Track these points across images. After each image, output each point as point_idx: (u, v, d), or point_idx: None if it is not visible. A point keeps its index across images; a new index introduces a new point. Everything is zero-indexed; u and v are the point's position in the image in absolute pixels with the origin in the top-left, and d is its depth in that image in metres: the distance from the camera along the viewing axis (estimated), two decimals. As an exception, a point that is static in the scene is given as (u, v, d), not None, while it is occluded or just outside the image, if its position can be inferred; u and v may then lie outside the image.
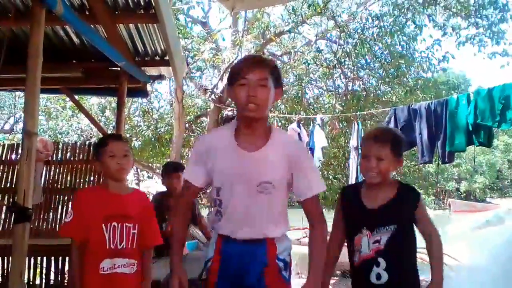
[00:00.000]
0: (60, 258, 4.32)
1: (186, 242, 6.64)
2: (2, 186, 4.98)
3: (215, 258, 2.16)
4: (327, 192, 12.61)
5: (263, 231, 2.09)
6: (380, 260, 2.24)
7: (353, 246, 2.33)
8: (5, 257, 4.24)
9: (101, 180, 5.07)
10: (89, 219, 2.31)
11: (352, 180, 7.31)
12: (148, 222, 2.51)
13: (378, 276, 2.25)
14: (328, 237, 2.24)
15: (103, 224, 2.32)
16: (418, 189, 2.43)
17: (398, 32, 10.38)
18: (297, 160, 2.09)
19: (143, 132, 12.23)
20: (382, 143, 2.25)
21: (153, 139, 12.28)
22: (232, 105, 10.39)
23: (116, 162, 2.38)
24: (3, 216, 4.87)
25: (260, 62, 2.04)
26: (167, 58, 4.56)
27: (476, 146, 5.92)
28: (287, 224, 2.22)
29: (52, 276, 4.40)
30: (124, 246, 2.35)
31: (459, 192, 42.38)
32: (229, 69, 2.59)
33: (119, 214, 2.37)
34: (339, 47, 10.10)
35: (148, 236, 2.49)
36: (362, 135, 7.21)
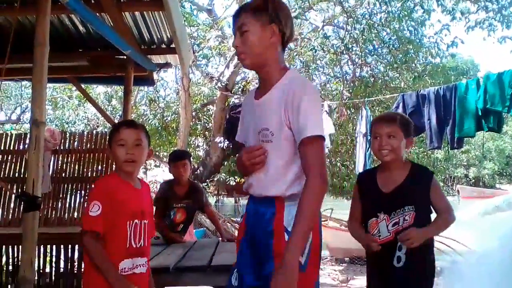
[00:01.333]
0: (70, 246, 4.34)
1: (194, 230, 6.71)
2: (11, 176, 5.00)
3: (244, 216, 2.00)
4: (334, 180, 12.62)
5: (269, 186, 1.80)
6: (401, 243, 2.28)
7: (369, 231, 2.38)
8: (15, 246, 4.27)
9: (108, 170, 5.10)
10: (115, 215, 2.11)
11: (359, 167, 7.29)
12: (152, 215, 2.42)
13: (399, 259, 2.29)
14: (320, 198, 1.71)
15: (128, 222, 2.16)
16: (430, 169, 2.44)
17: (406, 17, 10.26)
18: (292, 98, 1.74)
19: (149, 121, 12.25)
20: (390, 121, 2.37)
21: (159, 127, 12.32)
22: (239, 92, 10.37)
23: (125, 151, 2.17)
24: (12, 205, 4.90)
25: None
26: (173, 46, 4.53)
27: (486, 131, 5.89)
28: (301, 185, 1.74)
29: (62, 264, 4.43)
30: (142, 244, 2.22)
31: (468, 179, 42.25)
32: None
33: (139, 211, 2.22)
34: (347, 33, 10.01)
35: (151, 230, 2.37)
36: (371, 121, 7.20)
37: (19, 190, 4.85)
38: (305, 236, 1.67)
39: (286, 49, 2.05)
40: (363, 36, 10.00)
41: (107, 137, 4.99)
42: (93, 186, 2.28)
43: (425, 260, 2.32)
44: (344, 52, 10.29)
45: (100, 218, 2.07)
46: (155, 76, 5.74)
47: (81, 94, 11.43)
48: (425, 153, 12.60)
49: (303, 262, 1.71)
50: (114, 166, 4.20)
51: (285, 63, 1.92)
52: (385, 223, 2.33)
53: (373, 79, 10.62)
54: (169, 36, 4.53)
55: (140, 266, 2.20)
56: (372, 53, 10.85)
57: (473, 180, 42.41)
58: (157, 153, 13.75)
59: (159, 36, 4.63)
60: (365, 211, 2.43)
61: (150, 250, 2.36)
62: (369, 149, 7.22)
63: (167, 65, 5.01)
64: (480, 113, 5.56)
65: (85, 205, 2.19)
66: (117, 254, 2.12)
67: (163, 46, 4.78)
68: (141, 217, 2.22)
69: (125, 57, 4.50)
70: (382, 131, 2.35)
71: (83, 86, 5.73)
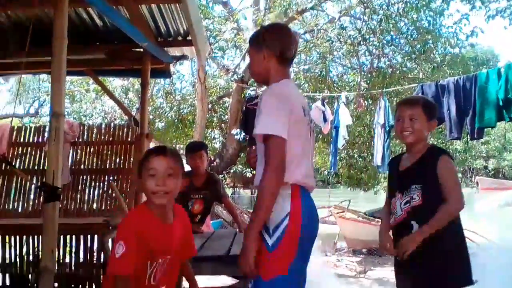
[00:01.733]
0: (89, 236, 4.39)
1: (211, 221, 6.74)
2: (31, 168, 5.08)
3: None
4: (351, 171, 12.56)
5: (257, 178, 2.10)
6: (413, 223, 2.30)
7: (391, 210, 2.46)
8: (36, 236, 4.33)
9: (126, 163, 5.14)
10: (137, 255, 1.92)
11: (378, 158, 7.23)
12: (188, 239, 2.25)
13: None
14: (268, 187, 1.96)
15: (149, 262, 1.99)
16: (449, 153, 2.41)
17: (424, 7, 10.10)
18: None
19: (166, 114, 12.32)
20: (413, 104, 2.41)
21: (176, 120, 12.37)
22: (255, 84, 10.35)
23: (155, 183, 1.96)
24: (32, 196, 4.98)
25: None
26: (189, 38, 4.52)
27: (507, 121, 5.79)
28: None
29: (81, 255, 4.49)
30: (155, 283, 2.06)
31: (487, 170, 41.71)
32: None
33: (164, 250, 2.04)
34: (364, 23, 9.90)
35: (186, 251, 2.25)
36: (391, 112, 7.12)
37: (39, 182, 4.93)
38: (259, 220, 1.98)
39: (303, 41, 2.37)
40: (381, 27, 9.87)
41: (127, 130, 5.13)
42: (122, 219, 2.12)
43: (442, 241, 2.26)
44: (361, 43, 10.18)
45: (129, 260, 1.88)
46: (171, 68, 5.74)
47: (98, 88, 11.61)
48: (444, 144, 12.43)
49: (271, 243, 2.02)
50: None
51: (284, 75, 2.25)
52: (399, 202, 2.39)
53: (391, 69, 10.49)
54: (185, 28, 4.53)
55: None
56: (390, 43, 10.71)
57: (493, 172, 41.85)
58: (173, 145, 13.83)
59: (175, 29, 4.63)
60: (389, 191, 2.57)
61: (189, 265, 2.30)
62: (388, 140, 7.16)
63: (183, 57, 5.01)
64: (501, 103, 5.46)
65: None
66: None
67: (180, 38, 4.78)
68: (165, 254, 2.04)
69: (142, 49, 4.52)
70: (404, 114, 2.40)
71: (100, 79, 5.77)
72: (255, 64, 2.30)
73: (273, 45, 2.22)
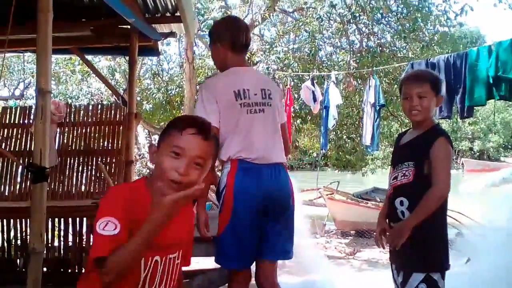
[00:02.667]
0: (78, 219, 4.32)
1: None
2: (17, 149, 4.96)
3: None
4: (340, 153, 12.57)
5: None
6: (403, 199, 2.28)
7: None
8: (23, 219, 4.25)
9: (115, 143, 5.02)
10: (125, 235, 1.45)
11: (367, 139, 7.22)
12: (187, 247, 1.78)
13: (402, 214, 2.30)
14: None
15: (143, 258, 1.51)
16: (448, 135, 2.37)
17: (415, -16, 10.02)
18: None
19: (153, 95, 12.15)
20: (422, 81, 2.33)
21: (164, 102, 12.22)
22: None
23: (175, 167, 1.48)
24: (18, 179, 4.88)
25: None
26: (178, 14, 4.41)
27: (497, 99, 5.79)
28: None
29: (70, 238, 4.42)
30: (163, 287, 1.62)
31: (472, 152, 42.20)
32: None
33: (164, 245, 1.58)
34: (354, 1, 9.78)
35: (187, 256, 1.82)
36: (382, 91, 7.09)
37: (26, 163, 4.82)
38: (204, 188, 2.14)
39: (291, 19, 2.58)
40: (371, 5, 9.78)
41: (115, 111, 4.99)
42: (105, 194, 1.61)
43: (427, 223, 2.23)
44: (351, 21, 10.08)
45: (119, 238, 1.41)
46: (159, 46, 5.62)
47: (84, 69, 11.40)
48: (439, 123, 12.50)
49: (218, 208, 2.52)
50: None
51: (238, 63, 2.59)
52: (390, 176, 2.41)
53: (380, 49, 10.44)
54: (173, 3, 4.41)
55: None
56: (380, 22, 10.63)
57: (478, 154, 42.38)
58: (161, 127, 13.70)
59: (163, 4, 4.50)
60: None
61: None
62: (378, 120, 7.14)
63: (172, 34, 4.90)
64: (491, 81, 5.45)
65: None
66: None
67: (168, 14, 4.65)
68: (165, 252, 1.60)
69: (129, 26, 4.40)
70: (412, 92, 2.32)
71: (87, 57, 5.62)
72: (214, 56, 2.68)
73: (225, 36, 2.57)
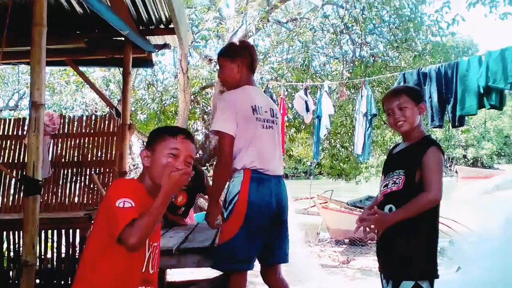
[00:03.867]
0: (71, 231, 4.32)
1: (195, 214, 6.73)
2: (10, 161, 4.96)
3: None
4: (334, 162, 12.60)
5: None
6: (392, 206, 2.32)
7: None
8: (16, 232, 4.24)
9: (108, 154, 5.04)
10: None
11: (358, 148, 7.25)
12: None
13: None
14: (218, 174, 2.71)
15: (148, 242, 1.87)
16: (439, 144, 2.42)
17: (407, -6, 10.12)
18: None
19: (148, 105, 12.17)
20: (399, 94, 2.45)
21: (158, 112, 12.24)
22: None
23: (176, 165, 1.86)
24: (12, 191, 4.87)
25: None
26: (171, 26, 4.45)
27: (488, 109, 5.84)
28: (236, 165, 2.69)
29: (63, 250, 4.41)
30: (154, 271, 1.97)
31: (466, 159, 42.38)
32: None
33: (156, 234, 1.97)
34: (346, 12, 9.87)
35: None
36: (374, 101, 7.14)
37: (19, 175, 4.82)
38: (213, 196, 2.74)
39: (285, 30, 2.62)
40: (363, 15, 9.87)
41: (109, 121, 5.01)
42: (111, 186, 2.01)
43: (414, 230, 2.27)
44: (344, 32, 10.17)
45: (135, 210, 1.76)
46: (153, 58, 5.65)
47: (79, 79, 11.40)
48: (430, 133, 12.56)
49: (226, 215, 2.65)
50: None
51: (248, 82, 2.80)
52: (381, 184, 2.46)
53: (373, 58, 10.53)
54: (167, 16, 4.45)
55: None
56: (372, 32, 10.73)
57: (471, 161, 42.56)
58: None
59: (157, 16, 4.55)
60: None
61: None
62: (369, 129, 7.18)
63: (165, 46, 4.93)
64: (482, 91, 5.51)
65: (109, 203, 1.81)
66: (128, 280, 1.84)
67: (162, 26, 4.70)
68: (157, 239, 1.99)
69: (123, 38, 4.44)
70: (392, 105, 2.42)
71: (81, 69, 5.64)
72: (227, 73, 2.81)
73: (245, 54, 2.80)
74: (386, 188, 2.39)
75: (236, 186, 2.63)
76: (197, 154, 10.74)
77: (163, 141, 1.90)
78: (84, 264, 1.88)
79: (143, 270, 1.88)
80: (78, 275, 1.90)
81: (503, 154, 43.38)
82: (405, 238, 2.26)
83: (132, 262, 1.84)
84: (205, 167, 10.67)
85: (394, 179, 2.35)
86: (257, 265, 2.78)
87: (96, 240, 1.86)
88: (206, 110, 12.28)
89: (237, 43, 3.00)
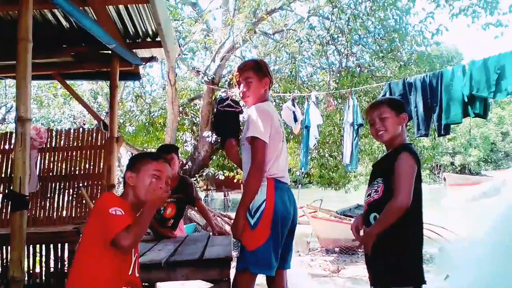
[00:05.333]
0: (59, 245, 4.28)
1: (185, 225, 6.70)
2: (-3, 175, 4.93)
3: None
4: (323, 171, 12.64)
5: (244, 174, 2.81)
6: (376, 214, 2.37)
7: None
8: (3, 247, 4.20)
9: (96, 168, 5.04)
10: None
11: (346, 158, 7.29)
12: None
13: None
14: (252, 179, 2.69)
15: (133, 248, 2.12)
16: (413, 151, 2.44)
17: (391, 6, 10.25)
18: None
19: (136, 117, 12.15)
20: (379, 105, 2.53)
21: (146, 123, 12.23)
22: (226, 86, 10.33)
23: (159, 185, 2.14)
24: (-1, 205, 4.83)
25: None
26: (158, 39, 4.47)
27: (472, 117, 5.90)
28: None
29: (52, 264, 4.38)
30: (138, 275, 2.19)
31: (453, 166, 42.75)
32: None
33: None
34: (332, 23, 9.97)
35: None
36: (360, 111, 7.21)
37: (6, 190, 4.79)
38: (244, 202, 2.68)
39: (272, 41, 2.57)
40: (349, 26, 9.98)
41: (96, 134, 5.01)
42: (101, 198, 2.34)
43: (398, 232, 2.30)
44: (330, 43, 10.27)
45: (127, 218, 2.01)
46: (141, 70, 5.67)
47: (67, 92, 11.35)
48: (412, 142, 12.67)
49: (253, 222, 2.67)
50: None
51: (267, 98, 2.98)
52: (366, 194, 2.52)
53: (359, 69, 10.63)
54: (154, 29, 4.48)
55: None
56: (358, 43, 10.84)
57: (459, 168, 42.92)
58: (145, 149, 13.65)
59: (144, 30, 4.57)
60: None
61: None
62: (356, 139, 7.23)
63: (152, 59, 4.95)
64: (466, 100, 5.57)
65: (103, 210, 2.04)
66: (120, 281, 2.04)
67: (148, 39, 4.72)
68: (137, 247, 2.21)
69: (109, 51, 4.45)
70: (373, 116, 2.50)
71: (68, 82, 5.64)
72: (259, 88, 2.93)
73: (271, 77, 2.99)
74: (369, 197, 2.45)
75: (262, 194, 2.70)
76: (186, 166, 10.73)
77: (147, 164, 2.19)
78: (76, 268, 2.05)
79: (130, 273, 2.09)
80: (69, 280, 2.06)
81: (490, 160, 43.85)
82: (389, 245, 2.30)
83: (121, 264, 2.04)
84: (194, 178, 10.66)
85: (375, 188, 2.41)
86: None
87: (89, 245, 2.05)
88: (195, 121, 12.30)
89: (263, 62, 3.11)
